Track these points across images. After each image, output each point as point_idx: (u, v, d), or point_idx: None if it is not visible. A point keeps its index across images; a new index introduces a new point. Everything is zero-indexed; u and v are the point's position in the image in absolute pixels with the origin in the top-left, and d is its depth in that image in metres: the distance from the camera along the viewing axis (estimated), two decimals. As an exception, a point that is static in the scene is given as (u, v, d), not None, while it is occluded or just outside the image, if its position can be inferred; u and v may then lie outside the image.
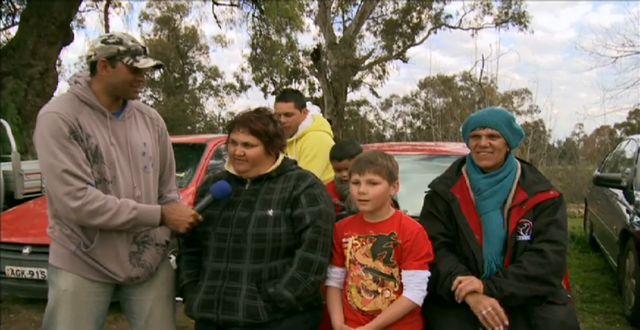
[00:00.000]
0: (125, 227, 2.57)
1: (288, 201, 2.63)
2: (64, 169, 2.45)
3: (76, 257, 2.63)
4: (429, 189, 2.96)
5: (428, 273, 2.63)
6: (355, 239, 2.68)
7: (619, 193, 6.09)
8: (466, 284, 2.61)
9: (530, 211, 2.72)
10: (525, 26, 25.76)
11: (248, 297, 2.54)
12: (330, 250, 2.67)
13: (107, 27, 22.95)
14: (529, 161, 2.95)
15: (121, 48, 2.59)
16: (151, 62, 2.62)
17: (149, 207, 2.66)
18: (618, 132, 38.63)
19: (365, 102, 34.73)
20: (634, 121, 39.63)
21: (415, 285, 2.60)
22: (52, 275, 2.69)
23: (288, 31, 23.33)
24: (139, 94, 2.80)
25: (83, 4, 18.44)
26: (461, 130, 2.97)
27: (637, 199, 5.56)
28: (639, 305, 4.91)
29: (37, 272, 5.07)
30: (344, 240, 2.71)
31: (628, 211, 5.57)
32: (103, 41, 2.61)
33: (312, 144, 4.16)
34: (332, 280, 2.73)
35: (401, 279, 2.62)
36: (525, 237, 2.70)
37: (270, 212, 2.59)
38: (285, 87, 29.01)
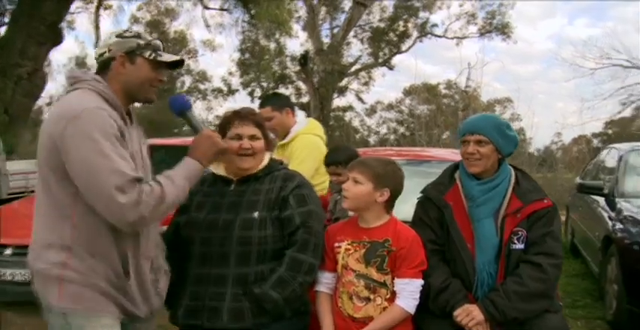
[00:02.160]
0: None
1: (276, 202, 2.54)
2: (116, 168, 1.99)
3: (107, 295, 2.13)
4: (420, 195, 2.89)
5: (421, 281, 2.55)
6: (348, 244, 2.60)
7: (601, 200, 6.08)
8: (467, 320, 2.54)
9: (524, 219, 2.66)
10: (509, 36, 25.87)
11: (233, 300, 2.43)
12: (322, 253, 2.58)
13: (98, 29, 22.75)
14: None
15: (141, 41, 2.24)
16: (175, 57, 2.29)
17: (181, 166, 2.25)
18: (595, 141, 38.90)
19: (350, 108, 34.65)
20: (610, 131, 39.91)
21: (409, 293, 2.52)
22: (75, 321, 2.11)
23: (277, 36, 23.25)
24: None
25: (74, 6, 18.26)
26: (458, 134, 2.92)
27: (619, 206, 5.55)
28: (620, 310, 4.87)
29: (18, 274, 4.90)
30: (336, 244, 2.63)
31: (610, 218, 5.55)
32: (119, 36, 2.25)
33: (301, 147, 4.08)
34: (322, 285, 2.64)
35: (393, 286, 2.54)
36: (519, 246, 2.63)
37: (256, 214, 2.50)
38: (272, 91, 28.90)
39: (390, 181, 2.61)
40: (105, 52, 2.24)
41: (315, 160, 3.92)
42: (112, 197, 1.97)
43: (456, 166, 2.89)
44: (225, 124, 2.65)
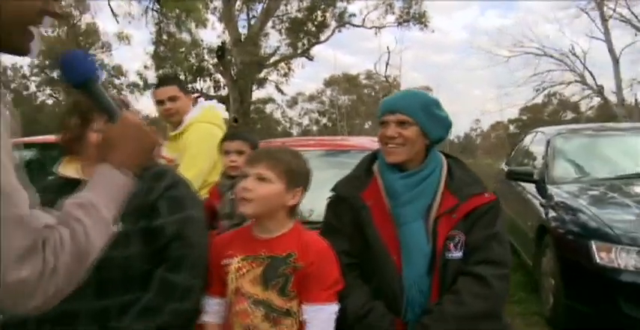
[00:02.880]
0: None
1: (142, 210, 1.89)
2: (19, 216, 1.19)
3: None
4: (331, 194, 2.29)
5: (337, 306, 1.96)
6: (240, 261, 1.97)
7: (531, 187, 5.70)
8: None
9: (461, 220, 2.10)
10: (425, 25, 25.81)
11: None
12: (204, 272, 1.95)
13: None
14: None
15: None
16: None
17: (97, 183, 1.32)
18: (511, 127, 39.94)
19: (271, 100, 33.96)
20: (524, 117, 40.97)
21: (321, 322, 1.92)
22: None
23: (190, 26, 22.33)
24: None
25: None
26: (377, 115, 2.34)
27: (550, 193, 5.17)
28: (558, 306, 4.47)
29: None
30: (225, 261, 1.99)
31: (542, 206, 5.17)
32: None
33: (196, 138, 3.45)
34: (208, 315, 2.01)
35: (301, 315, 1.94)
36: (456, 253, 2.07)
37: (118, 228, 1.83)
38: (190, 85, 28.04)
39: (303, 178, 2.05)
40: None
41: (211, 153, 3.28)
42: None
43: (374, 156, 2.31)
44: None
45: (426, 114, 2.14)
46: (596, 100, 26.00)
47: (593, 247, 4.05)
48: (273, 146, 2.35)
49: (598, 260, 3.99)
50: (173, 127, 3.62)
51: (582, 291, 4.20)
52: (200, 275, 1.93)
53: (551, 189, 5.20)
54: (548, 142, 5.98)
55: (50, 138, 5.86)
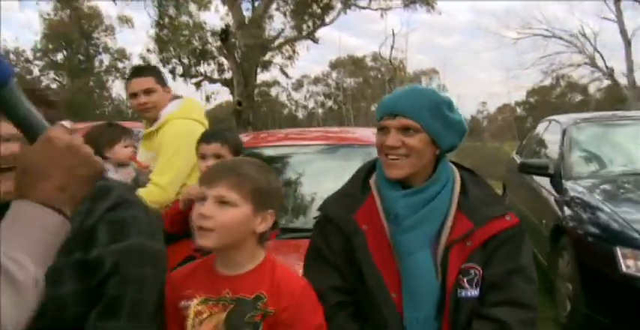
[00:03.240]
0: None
1: (77, 238, 1.45)
2: None
3: None
4: (318, 213, 1.87)
5: None
6: (200, 303, 1.56)
7: (545, 181, 5.24)
8: None
9: (477, 249, 1.68)
10: (432, 7, 25.13)
11: None
12: (149, 317, 1.47)
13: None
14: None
15: None
16: None
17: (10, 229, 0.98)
18: (518, 109, 39.31)
19: (276, 83, 33.44)
20: (532, 100, 40.32)
21: None
22: None
23: (192, 8, 21.81)
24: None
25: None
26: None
27: (566, 188, 4.72)
28: (576, 314, 4.06)
29: None
30: (183, 303, 1.58)
31: (557, 203, 4.72)
32: None
33: (172, 136, 3.03)
34: None
35: (273, 373, 1.53)
36: (472, 292, 1.66)
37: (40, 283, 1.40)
38: (193, 68, 27.60)
39: (274, 197, 1.63)
40: None
41: (192, 154, 2.85)
42: None
43: (371, 167, 1.88)
44: None
45: (435, 117, 1.71)
46: (606, 83, 25.38)
47: (619, 253, 3.62)
48: (233, 160, 1.91)
49: (624, 269, 3.56)
50: (149, 123, 3.19)
51: (605, 301, 3.78)
52: (144, 321, 1.49)
53: (569, 184, 4.75)
54: (564, 132, 5.50)
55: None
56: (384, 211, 1.75)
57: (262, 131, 6.17)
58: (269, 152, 4.03)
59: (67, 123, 1.41)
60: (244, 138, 4.67)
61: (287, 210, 3.44)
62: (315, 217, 1.90)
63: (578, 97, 35.05)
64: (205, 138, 2.58)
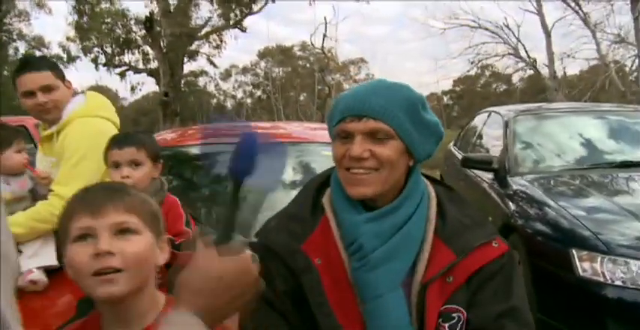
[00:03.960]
0: None
1: None
2: None
3: None
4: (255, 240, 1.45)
5: None
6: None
7: (489, 176, 4.99)
8: None
9: (461, 286, 1.32)
10: (362, -4, 25.06)
11: None
12: None
13: None
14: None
15: None
16: None
17: None
18: (445, 98, 39.87)
19: (204, 73, 32.57)
20: (457, 89, 40.92)
21: None
22: None
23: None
24: None
25: None
26: (326, 119, 1.48)
27: (512, 185, 4.48)
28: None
29: None
30: None
31: (503, 199, 4.47)
32: None
33: (78, 137, 2.53)
34: None
35: None
36: None
37: None
38: (117, 58, 26.58)
39: (161, 222, 1.29)
40: None
41: (100, 158, 2.36)
42: None
43: (323, 182, 1.47)
44: None
45: (411, 120, 1.33)
46: (529, 73, 25.93)
47: (575, 256, 3.36)
48: (104, 182, 1.47)
49: (581, 272, 3.31)
50: (47, 125, 2.67)
51: (559, 305, 3.53)
52: None
53: (515, 180, 4.50)
54: (506, 125, 5.26)
55: None
56: (341, 239, 1.35)
57: (189, 127, 5.69)
58: (196, 151, 3.57)
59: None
60: (170, 135, 4.18)
61: (210, 223, 3.00)
62: (250, 243, 1.49)
63: (503, 87, 35.83)
64: (117, 143, 2.13)
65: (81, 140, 2.51)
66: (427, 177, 1.48)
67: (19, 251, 2.42)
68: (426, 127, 1.36)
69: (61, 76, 2.64)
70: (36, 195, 2.46)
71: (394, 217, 1.34)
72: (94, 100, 2.70)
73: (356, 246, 1.32)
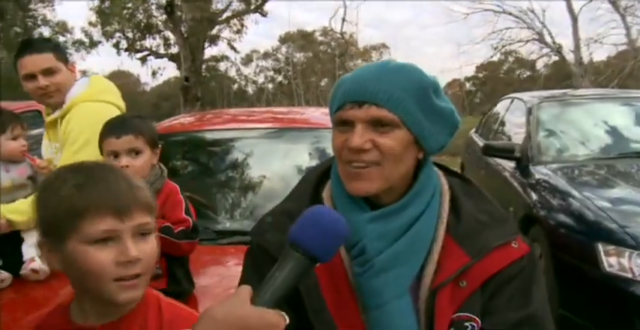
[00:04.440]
0: None
1: None
2: None
3: None
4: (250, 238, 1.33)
5: None
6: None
7: (510, 165, 4.82)
8: None
9: (475, 292, 1.19)
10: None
11: None
12: None
13: None
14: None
15: None
16: None
17: None
18: (468, 85, 39.35)
19: (225, 57, 32.49)
20: (480, 75, 40.36)
21: None
22: None
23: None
24: None
25: None
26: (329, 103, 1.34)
27: (536, 174, 4.30)
28: (550, 309, 3.65)
29: None
30: None
31: (526, 189, 4.31)
32: None
33: (80, 123, 2.44)
34: None
35: None
36: None
37: None
38: (138, 43, 26.64)
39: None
40: None
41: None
42: None
43: (323, 173, 1.34)
44: None
45: (421, 107, 1.18)
46: (553, 59, 25.41)
47: (601, 250, 3.20)
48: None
49: (607, 268, 3.15)
50: (51, 110, 2.58)
51: (583, 301, 3.38)
52: None
53: (538, 170, 4.33)
54: (529, 112, 5.06)
55: None
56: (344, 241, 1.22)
57: (208, 111, 5.62)
58: (211, 136, 3.50)
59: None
60: (188, 119, 4.09)
61: (226, 209, 2.90)
62: (247, 243, 1.36)
63: (526, 73, 35.23)
64: (113, 130, 2.01)
65: (84, 125, 2.42)
66: (440, 167, 1.34)
67: (22, 239, 2.36)
68: (439, 115, 1.20)
69: (64, 59, 2.54)
70: (36, 183, 2.37)
71: (402, 217, 1.20)
72: (97, 83, 2.60)
73: (358, 249, 1.19)
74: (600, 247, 3.21)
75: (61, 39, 34.02)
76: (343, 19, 18.93)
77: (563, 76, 24.72)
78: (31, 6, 32.26)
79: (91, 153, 2.38)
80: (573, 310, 3.43)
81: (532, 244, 1.29)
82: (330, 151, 3.27)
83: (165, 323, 1.12)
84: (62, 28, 34.28)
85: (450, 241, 1.21)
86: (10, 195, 2.33)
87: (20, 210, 2.27)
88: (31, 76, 2.48)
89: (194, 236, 2.04)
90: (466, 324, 1.17)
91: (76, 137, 2.42)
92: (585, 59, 22.91)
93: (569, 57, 22.68)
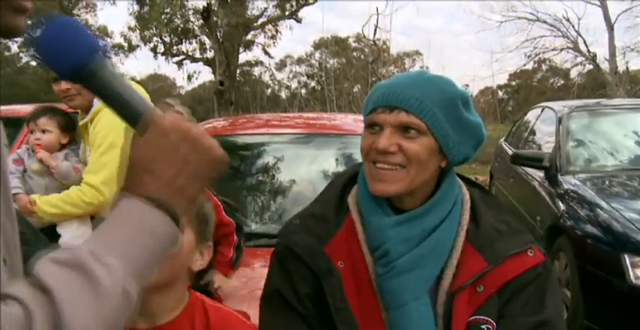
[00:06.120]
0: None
1: None
2: None
3: None
4: (279, 240, 1.37)
5: None
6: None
7: (540, 174, 4.78)
8: None
9: (492, 296, 1.21)
10: (416, -13, 24.68)
11: None
12: None
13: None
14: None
15: None
16: None
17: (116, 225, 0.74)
18: (500, 93, 38.99)
19: (259, 62, 32.78)
20: (513, 83, 39.95)
21: None
22: None
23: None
24: None
25: None
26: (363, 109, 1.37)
27: (564, 184, 4.27)
28: (574, 322, 3.62)
29: None
30: None
31: (554, 199, 4.27)
32: None
33: (106, 127, 2.52)
34: None
35: None
36: None
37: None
38: (175, 47, 27.02)
39: (212, 228, 1.30)
40: None
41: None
42: None
43: (350, 178, 1.38)
44: None
45: (448, 117, 1.22)
46: (588, 68, 25.02)
47: (627, 262, 3.17)
48: None
49: (633, 279, 3.12)
50: (83, 113, 2.67)
51: (609, 313, 3.35)
52: None
53: (567, 180, 4.29)
54: (559, 121, 5.02)
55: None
56: (367, 242, 1.26)
57: (241, 116, 5.69)
58: (242, 140, 3.56)
59: (176, 103, 1.05)
60: (221, 123, 4.16)
61: (255, 211, 2.95)
62: (275, 244, 1.40)
63: (560, 82, 34.77)
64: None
65: (109, 129, 2.49)
66: (462, 178, 1.37)
67: (58, 235, 2.48)
68: (465, 127, 1.24)
69: None
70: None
71: (424, 222, 1.23)
72: None
73: (382, 251, 1.22)
74: (627, 258, 3.18)
75: (102, 43, 34.83)
76: (376, 26, 18.92)
77: (598, 85, 24.33)
78: (74, 11, 33.04)
79: (115, 155, 2.47)
80: (598, 321, 3.40)
81: (546, 253, 1.30)
82: (357, 157, 3.32)
83: (212, 324, 1.18)
84: (103, 32, 35.03)
85: (469, 247, 1.24)
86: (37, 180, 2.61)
87: (52, 203, 2.44)
88: (56, 79, 2.58)
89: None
90: (482, 327, 1.20)
91: (101, 141, 2.50)
92: (621, 68, 22.51)
93: (604, 66, 22.33)
